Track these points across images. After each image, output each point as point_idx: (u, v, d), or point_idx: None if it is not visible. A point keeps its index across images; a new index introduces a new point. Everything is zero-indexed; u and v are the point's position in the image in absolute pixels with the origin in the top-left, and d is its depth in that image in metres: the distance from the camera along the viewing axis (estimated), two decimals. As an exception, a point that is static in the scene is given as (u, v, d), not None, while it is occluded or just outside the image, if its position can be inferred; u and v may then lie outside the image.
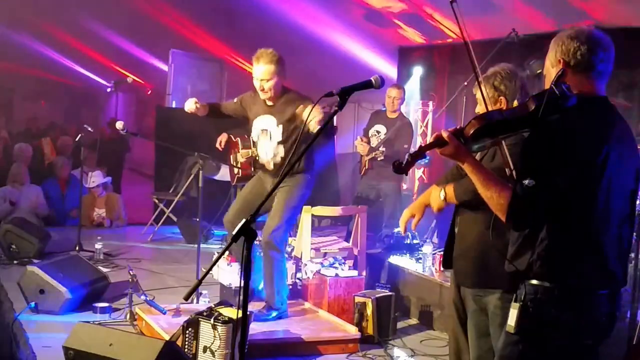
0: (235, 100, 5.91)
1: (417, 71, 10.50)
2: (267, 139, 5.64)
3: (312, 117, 4.95)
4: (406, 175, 3.06)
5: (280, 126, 5.56)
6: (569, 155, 2.58)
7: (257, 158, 5.83)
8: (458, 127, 2.83)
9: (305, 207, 6.39)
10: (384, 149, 7.84)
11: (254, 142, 5.82)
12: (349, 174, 10.88)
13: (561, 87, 2.61)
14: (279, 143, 5.59)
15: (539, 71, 6.40)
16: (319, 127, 4.91)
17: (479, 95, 3.85)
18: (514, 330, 2.71)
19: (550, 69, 2.81)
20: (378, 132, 8.16)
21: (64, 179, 10.46)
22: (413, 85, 10.47)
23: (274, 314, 5.69)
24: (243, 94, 5.91)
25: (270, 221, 5.61)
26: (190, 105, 5.64)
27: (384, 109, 8.34)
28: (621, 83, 7.52)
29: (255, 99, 5.69)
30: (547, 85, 2.79)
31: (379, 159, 7.90)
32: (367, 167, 8.17)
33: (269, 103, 5.61)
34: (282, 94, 5.56)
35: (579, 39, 2.73)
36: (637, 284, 5.05)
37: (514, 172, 2.92)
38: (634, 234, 4.45)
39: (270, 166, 5.69)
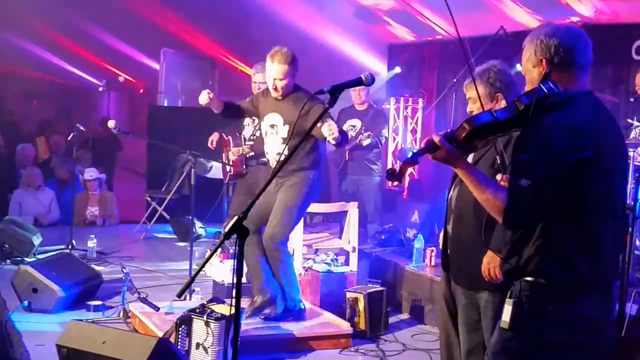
0: (247, 99, 5.90)
1: (407, 67, 10.53)
2: (275, 135, 5.61)
3: (329, 133, 4.99)
4: (400, 182, 3.04)
5: (287, 126, 5.52)
6: (562, 154, 2.58)
7: (263, 152, 5.76)
8: (449, 131, 2.80)
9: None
10: (369, 133, 7.94)
11: (262, 137, 5.78)
12: (334, 170, 10.95)
13: (549, 85, 2.62)
14: (284, 140, 5.55)
15: None
16: (335, 142, 5.01)
17: (470, 95, 3.83)
18: (508, 326, 2.71)
19: (532, 69, 2.79)
20: (353, 126, 8.22)
21: (62, 179, 10.46)
22: (402, 81, 10.52)
23: (300, 304, 5.70)
24: (253, 95, 5.99)
25: (270, 221, 5.56)
26: (203, 97, 5.55)
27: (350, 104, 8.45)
28: (608, 78, 7.56)
29: (266, 96, 5.68)
30: (528, 86, 2.79)
31: (364, 143, 8.00)
32: (347, 158, 8.26)
33: (279, 99, 5.56)
34: (292, 92, 5.52)
35: (558, 36, 2.73)
36: (626, 278, 5.10)
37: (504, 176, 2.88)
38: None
39: (276, 163, 5.64)
